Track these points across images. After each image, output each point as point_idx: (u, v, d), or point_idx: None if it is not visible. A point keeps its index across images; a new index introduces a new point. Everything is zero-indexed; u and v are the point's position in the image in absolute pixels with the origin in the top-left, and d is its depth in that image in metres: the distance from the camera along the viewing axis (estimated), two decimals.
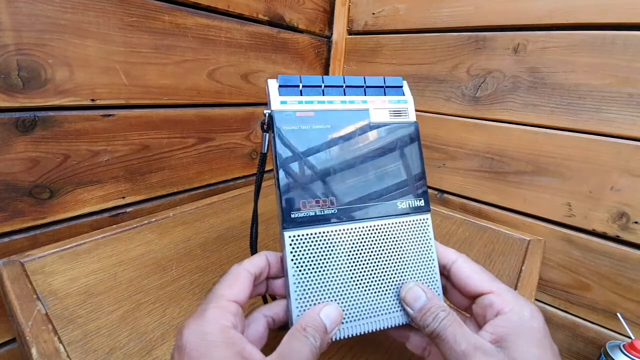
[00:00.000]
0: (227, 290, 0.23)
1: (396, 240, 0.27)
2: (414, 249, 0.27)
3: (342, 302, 0.25)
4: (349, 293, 0.26)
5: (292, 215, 0.25)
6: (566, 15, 0.51)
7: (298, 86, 0.27)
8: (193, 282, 0.38)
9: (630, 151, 0.49)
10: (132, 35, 0.46)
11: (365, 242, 0.26)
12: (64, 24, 0.40)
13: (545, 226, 0.58)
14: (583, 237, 0.55)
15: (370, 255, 0.26)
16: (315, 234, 0.25)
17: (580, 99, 0.52)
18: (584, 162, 0.53)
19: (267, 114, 0.26)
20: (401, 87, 0.30)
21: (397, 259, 0.27)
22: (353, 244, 0.26)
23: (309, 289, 0.25)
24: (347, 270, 0.26)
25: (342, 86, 0.28)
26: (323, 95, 0.28)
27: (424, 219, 0.28)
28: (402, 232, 0.27)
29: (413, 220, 0.28)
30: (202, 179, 0.62)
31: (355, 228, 0.26)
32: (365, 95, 0.29)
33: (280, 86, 0.27)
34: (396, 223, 0.27)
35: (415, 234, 0.28)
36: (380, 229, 0.27)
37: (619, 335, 0.54)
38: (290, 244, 0.25)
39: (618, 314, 0.52)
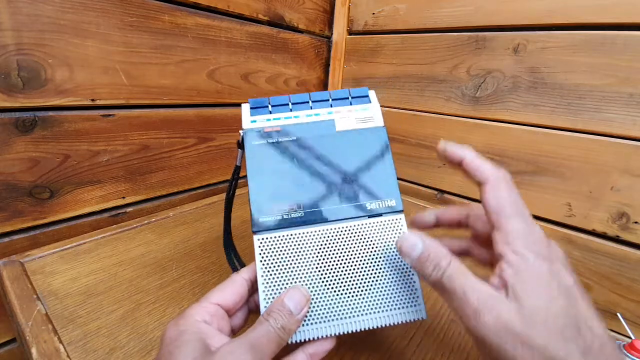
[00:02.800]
0: (217, 293, 0.25)
1: (368, 241, 0.27)
2: (387, 249, 0.27)
3: (311, 303, 0.26)
4: (318, 293, 0.26)
5: (260, 220, 0.27)
6: (566, 15, 0.51)
7: (267, 106, 0.30)
8: (193, 282, 0.38)
9: (630, 151, 0.49)
10: (132, 35, 0.46)
11: (334, 243, 0.27)
12: (64, 24, 0.40)
13: (545, 226, 0.58)
14: (583, 237, 0.55)
15: (340, 256, 0.27)
16: (282, 236, 0.27)
17: (580, 99, 0.52)
18: (584, 162, 0.53)
19: (240, 133, 0.30)
20: (367, 96, 0.31)
21: (369, 260, 0.27)
22: (321, 245, 0.27)
23: (276, 288, 0.26)
24: (315, 271, 0.26)
25: (307, 102, 0.30)
26: (291, 111, 0.30)
27: (396, 219, 0.28)
28: (374, 233, 0.27)
29: (385, 221, 0.28)
30: (202, 179, 0.62)
31: (323, 230, 0.27)
32: (331, 107, 0.30)
33: (251, 108, 0.31)
34: (366, 224, 0.28)
35: (388, 235, 0.28)
36: (349, 230, 0.27)
37: (619, 335, 0.54)
38: (259, 246, 0.26)
39: (618, 314, 0.52)
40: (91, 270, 0.38)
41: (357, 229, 0.27)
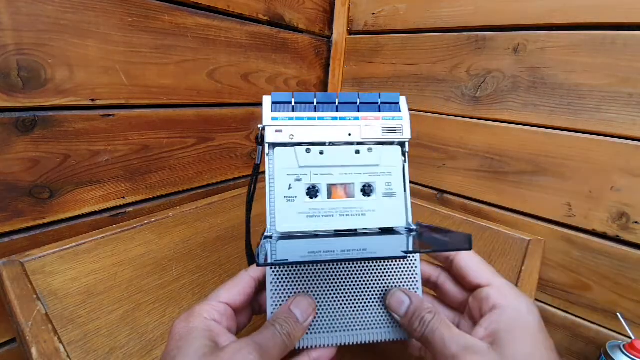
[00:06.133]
0: (225, 292, 0.25)
1: (377, 268, 0.27)
2: (394, 273, 0.27)
3: (318, 314, 0.26)
4: (325, 304, 0.26)
5: (276, 259, 0.26)
6: (566, 15, 0.51)
7: (290, 102, 0.28)
8: (193, 282, 0.38)
9: (630, 151, 0.49)
10: (132, 35, 0.46)
11: (346, 268, 0.27)
12: (64, 24, 0.40)
13: (545, 226, 0.58)
14: (583, 237, 0.55)
15: (350, 275, 0.27)
16: (296, 266, 0.26)
17: (580, 99, 0.52)
18: (584, 162, 0.53)
19: (259, 128, 0.28)
20: (397, 103, 0.30)
21: (377, 279, 0.27)
22: (332, 267, 0.27)
23: (284, 294, 0.26)
24: (324, 284, 0.26)
25: (334, 102, 0.29)
26: (315, 111, 0.28)
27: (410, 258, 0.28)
28: (385, 263, 0.27)
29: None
30: (202, 179, 0.62)
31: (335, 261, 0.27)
32: (358, 111, 0.29)
33: (273, 102, 0.28)
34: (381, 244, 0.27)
35: (399, 264, 0.27)
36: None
37: (619, 335, 0.54)
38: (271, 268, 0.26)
39: (618, 314, 0.52)
40: (91, 270, 0.38)
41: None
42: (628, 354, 0.47)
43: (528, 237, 0.55)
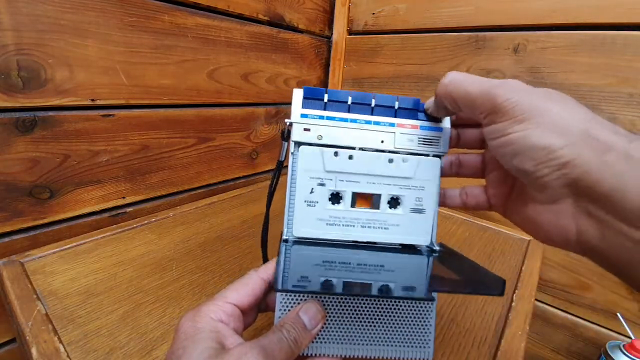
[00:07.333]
0: (233, 293, 0.24)
1: (394, 303, 0.26)
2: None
3: (327, 322, 0.25)
4: (335, 314, 0.25)
5: (293, 285, 0.24)
6: (566, 15, 0.51)
7: (322, 99, 0.26)
8: (193, 282, 0.38)
9: None
10: (132, 35, 0.46)
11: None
12: (64, 24, 0.40)
13: None
14: None
15: (362, 304, 0.25)
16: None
17: (580, 99, 0.51)
18: None
19: (287, 123, 0.26)
20: None
21: (391, 300, 0.26)
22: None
23: (294, 300, 0.25)
24: (336, 299, 0.25)
25: (370, 104, 0.26)
26: (348, 112, 0.26)
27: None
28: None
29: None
30: (202, 179, 0.62)
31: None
32: (395, 117, 0.26)
33: (304, 98, 0.26)
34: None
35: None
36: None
37: (619, 335, 0.54)
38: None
39: (618, 314, 0.52)
40: (91, 270, 0.38)
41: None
42: (628, 354, 0.47)
43: (528, 237, 0.55)
